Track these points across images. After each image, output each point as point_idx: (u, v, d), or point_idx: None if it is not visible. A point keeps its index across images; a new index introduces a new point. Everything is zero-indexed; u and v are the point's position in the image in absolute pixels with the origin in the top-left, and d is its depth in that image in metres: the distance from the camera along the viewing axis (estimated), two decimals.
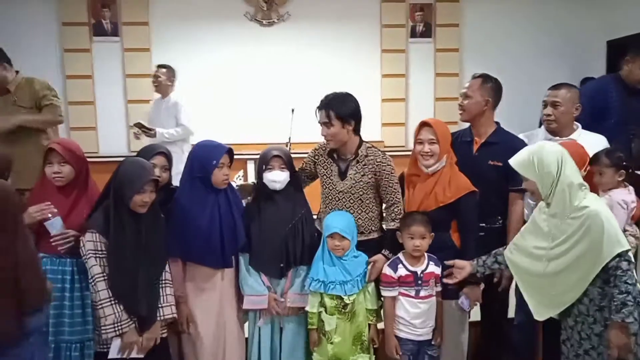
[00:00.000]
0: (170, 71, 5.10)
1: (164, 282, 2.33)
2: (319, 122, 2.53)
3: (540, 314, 2.20)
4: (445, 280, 2.42)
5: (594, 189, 2.32)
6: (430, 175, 2.51)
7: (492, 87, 2.72)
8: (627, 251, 1.97)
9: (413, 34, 6.55)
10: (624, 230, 2.29)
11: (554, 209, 2.10)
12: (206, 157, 2.44)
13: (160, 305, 2.29)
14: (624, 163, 2.34)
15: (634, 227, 2.40)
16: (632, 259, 2.00)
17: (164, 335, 2.35)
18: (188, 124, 4.95)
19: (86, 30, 6.14)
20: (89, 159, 2.48)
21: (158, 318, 2.28)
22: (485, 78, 2.74)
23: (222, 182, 2.45)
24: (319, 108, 2.52)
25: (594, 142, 2.62)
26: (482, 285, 2.50)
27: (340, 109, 2.48)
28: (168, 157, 2.52)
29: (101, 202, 2.28)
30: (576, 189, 2.06)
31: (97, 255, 2.17)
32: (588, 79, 6.31)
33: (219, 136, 6.12)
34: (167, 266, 2.36)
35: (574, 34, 6.53)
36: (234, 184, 2.63)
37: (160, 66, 5.12)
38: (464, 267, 2.38)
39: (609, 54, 6.27)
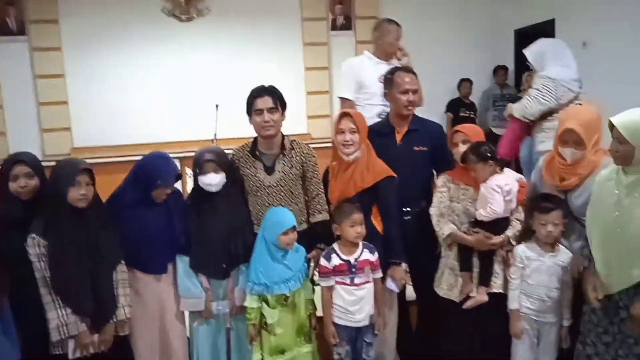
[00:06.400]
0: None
1: (116, 282, 2.31)
2: (257, 109, 2.50)
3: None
4: None
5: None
6: (350, 164, 2.58)
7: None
8: None
9: (334, 26, 6.65)
10: (510, 214, 2.45)
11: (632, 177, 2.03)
12: (152, 174, 2.40)
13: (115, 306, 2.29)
14: (489, 154, 2.42)
15: (520, 210, 2.50)
16: None
17: (126, 333, 2.35)
18: None
19: None
20: None
21: (113, 319, 2.27)
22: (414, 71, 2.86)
23: (160, 199, 2.44)
24: (260, 95, 2.50)
25: None
26: (404, 266, 2.59)
27: (282, 98, 2.55)
28: (30, 164, 2.28)
29: (41, 208, 2.23)
30: None
31: (41, 259, 2.14)
32: (500, 67, 6.70)
33: (142, 136, 5.94)
34: (121, 265, 2.34)
35: (485, 23, 6.88)
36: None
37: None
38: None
39: (516, 42, 6.65)
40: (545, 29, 5.93)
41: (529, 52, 3.50)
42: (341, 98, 3.48)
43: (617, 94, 4.42)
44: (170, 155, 2.59)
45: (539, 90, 3.33)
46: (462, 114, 6.57)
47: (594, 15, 5.26)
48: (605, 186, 2.11)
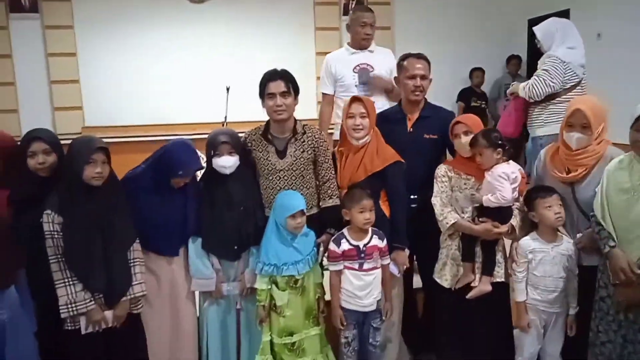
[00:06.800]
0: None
1: (133, 260, 2.35)
2: (270, 93, 2.50)
3: None
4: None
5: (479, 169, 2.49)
6: (359, 148, 2.60)
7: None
8: None
9: (346, 11, 6.60)
10: (512, 204, 2.46)
11: None
12: (175, 163, 2.40)
13: (131, 284, 2.33)
14: (500, 142, 2.44)
15: (520, 200, 2.52)
16: None
17: (140, 310, 2.39)
18: None
19: (2, 6, 5.76)
20: None
21: (128, 295, 2.31)
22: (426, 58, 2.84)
23: (178, 185, 2.46)
24: (273, 79, 2.51)
25: None
26: (407, 251, 2.63)
27: (295, 82, 2.55)
28: (47, 141, 2.30)
29: (56, 184, 2.25)
30: None
31: (54, 235, 2.15)
32: (514, 56, 6.64)
33: (152, 117, 5.94)
34: (136, 244, 2.37)
35: (498, 12, 6.80)
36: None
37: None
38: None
39: (530, 32, 6.58)
40: None
41: (539, 30, 3.47)
42: (323, 93, 3.49)
43: (632, 86, 4.40)
44: (182, 137, 2.61)
45: (547, 71, 3.30)
46: (473, 104, 6.52)
47: (609, 6, 5.20)
48: (616, 174, 2.13)
